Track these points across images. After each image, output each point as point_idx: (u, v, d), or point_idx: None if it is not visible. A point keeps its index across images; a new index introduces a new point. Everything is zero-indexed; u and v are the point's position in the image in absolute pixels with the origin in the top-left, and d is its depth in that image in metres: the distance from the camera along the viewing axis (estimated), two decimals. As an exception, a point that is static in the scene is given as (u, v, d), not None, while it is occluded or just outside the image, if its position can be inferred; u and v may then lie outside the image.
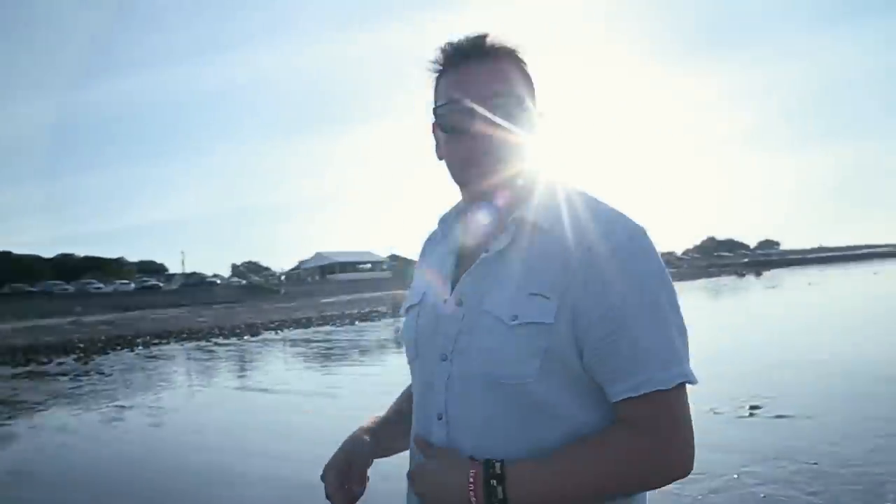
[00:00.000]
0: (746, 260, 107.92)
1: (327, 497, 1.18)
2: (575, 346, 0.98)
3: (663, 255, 1.03)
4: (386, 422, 1.30)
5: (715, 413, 6.54)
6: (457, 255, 1.15)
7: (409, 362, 1.21)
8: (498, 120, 1.03)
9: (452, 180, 1.14)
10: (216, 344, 23.43)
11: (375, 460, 1.24)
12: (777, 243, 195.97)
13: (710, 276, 60.48)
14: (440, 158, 1.14)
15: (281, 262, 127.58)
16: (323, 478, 1.20)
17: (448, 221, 1.22)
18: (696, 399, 0.98)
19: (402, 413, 1.29)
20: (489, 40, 1.06)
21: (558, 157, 1.13)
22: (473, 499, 0.96)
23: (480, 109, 1.03)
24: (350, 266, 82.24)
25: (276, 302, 54.83)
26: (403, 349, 1.22)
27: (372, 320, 34.18)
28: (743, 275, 60.44)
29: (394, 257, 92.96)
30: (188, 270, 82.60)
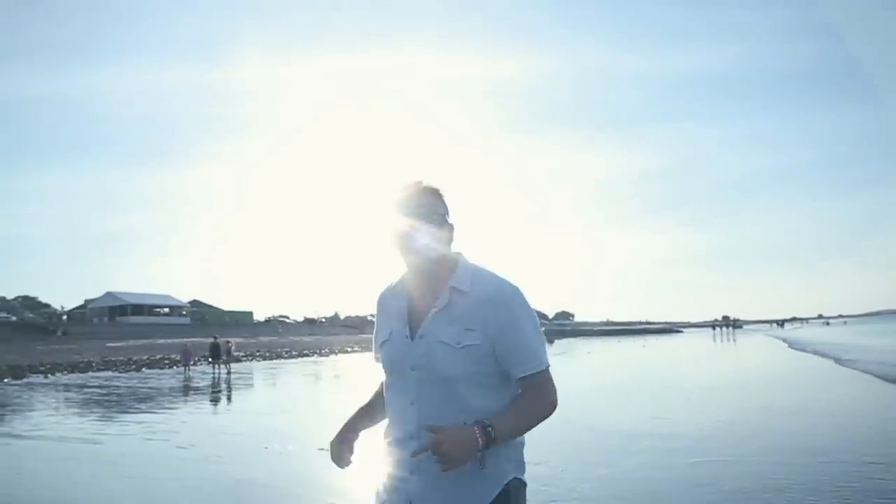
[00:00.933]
0: (544, 329, 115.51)
1: (332, 461, 1.98)
2: (493, 353, 1.79)
3: None
4: (363, 410, 2.06)
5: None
6: (408, 308, 1.92)
7: (387, 374, 1.95)
8: (428, 227, 1.85)
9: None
10: (-36, 387, 20.70)
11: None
12: (572, 315, 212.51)
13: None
14: (393, 246, 1.91)
15: (64, 299, 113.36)
16: (331, 452, 2.00)
17: (397, 287, 1.99)
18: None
19: (372, 404, 2.06)
20: (422, 182, 1.89)
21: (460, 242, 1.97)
22: (480, 438, 1.69)
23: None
24: (145, 309, 75.68)
25: (54, 343, 49.21)
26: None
27: (161, 367, 32.03)
28: (537, 341, 64.96)
29: (195, 303, 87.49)
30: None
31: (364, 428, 2.04)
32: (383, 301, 2.02)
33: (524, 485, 1.87)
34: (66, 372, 29.30)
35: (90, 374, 28.40)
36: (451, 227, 1.90)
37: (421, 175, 1.91)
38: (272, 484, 6.53)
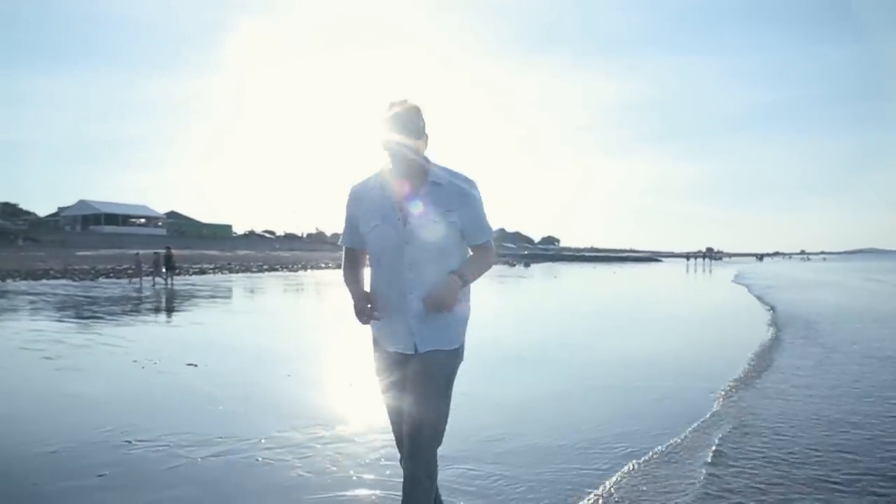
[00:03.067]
0: (527, 252, 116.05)
1: (360, 319, 2.60)
2: (461, 227, 2.54)
3: None
4: (362, 285, 2.68)
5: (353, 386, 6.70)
6: (391, 200, 2.51)
7: (378, 252, 2.57)
8: (413, 136, 2.47)
9: (390, 160, 2.52)
10: None
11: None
12: (557, 240, 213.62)
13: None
14: (385, 150, 2.49)
15: (45, 207, 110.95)
16: (358, 311, 2.58)
17: (372, 183, 2.59)
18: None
19: (362, 282, 2.70)
20: (407, 101, 2.49)
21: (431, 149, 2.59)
22: (459, 280, 2.50)
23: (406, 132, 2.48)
24: (120, 219, 74.41)
25: (20, 251, 48.49)
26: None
27: (119, 277, 31.50)
28: (513, 265, 64.88)
29: (172, 214, 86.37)
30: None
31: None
32: (360, 195, 2.60)
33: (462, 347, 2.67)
34: (18, 279, 28.63)
35: (43, 281, 27.79)
36: (427, 136, 2.53)
37: (405, 95, 2.49)
38: (107, 398, 5.95)
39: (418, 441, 2.47)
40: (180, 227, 79.53)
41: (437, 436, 2.53)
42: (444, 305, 2.46)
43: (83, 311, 14.93)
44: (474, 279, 2.59)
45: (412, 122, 2.45)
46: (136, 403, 5.77)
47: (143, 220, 78.69)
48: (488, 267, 2.68)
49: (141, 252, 30.75)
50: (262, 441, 4.60)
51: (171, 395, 6.19)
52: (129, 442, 4.54)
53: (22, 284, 25.30)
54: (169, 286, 24.92)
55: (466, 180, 2.56)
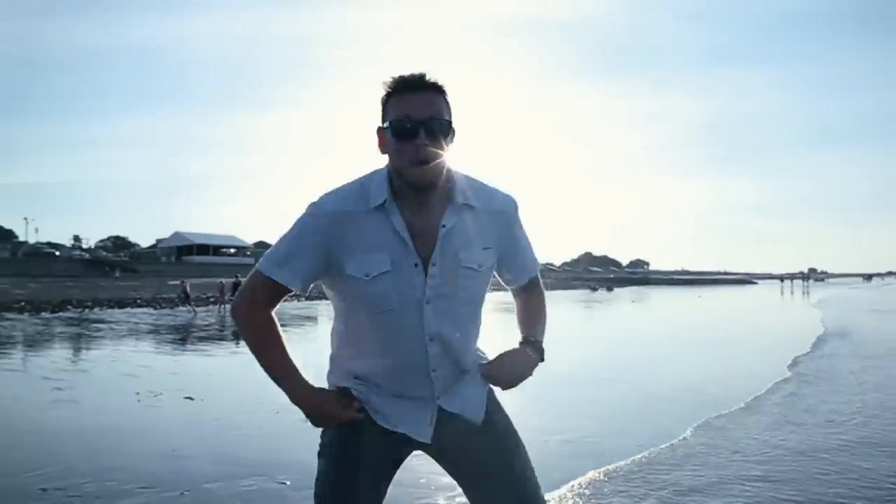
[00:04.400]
0: (612, 276, 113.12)
1: (340, 421, 1.69)
2: (498, 266, 1.77)
3: (542, 265, 2.00)
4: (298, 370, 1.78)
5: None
6: (409, 231, 1.59)
7: (378, 313, 1.62)
8: (433, 135, 1.57)
9: (396, 172, 1.61)
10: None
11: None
12: (646, 263, 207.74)
13: (568, 287, 62.68)
14: (383, 153, 1.64)
15: (142, 239, 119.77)
16: (324, 418, 1.72)
17: (377, 202, 1.60)
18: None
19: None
20: (428, 78, 1.59)
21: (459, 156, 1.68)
22: (534, 356, 1.78)
23: (422, 126, 1.56)
24: (211, 249, 77.78)
25: (119, 280, 51.50)
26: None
27: (199, 304, 32.60)
28: (595, 289, 63.12)
29: (261, 244, 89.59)
30: (41, 240, 75.61)
31: None
32: (348, 218, 1.60)
33: None
34: (106, 307, 30.15)
35: (128, 309, 29.14)
36: (453, 132, 1.64)
37: (423, 68, 1.63)
38: (68, 435, 5.65)
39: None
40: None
41: (538, 487, 1.80)
42: (513, 385, 1.75)
43: (137, 339, 15.20)
44: (542, 334, 1.85)
45: (434, 111, 1.57)
46: (92, 442, 5.44)
47: (232, 250, 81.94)
48: (546, 305, 1.93)
49: (224, 281, 31.75)
50: (184, 494, 4.10)
51: (136, 433, 5.81)
52: (45, 490, 4.15)
53: (105, 313, 26.45)
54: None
55: (506, 199, 1.75)
